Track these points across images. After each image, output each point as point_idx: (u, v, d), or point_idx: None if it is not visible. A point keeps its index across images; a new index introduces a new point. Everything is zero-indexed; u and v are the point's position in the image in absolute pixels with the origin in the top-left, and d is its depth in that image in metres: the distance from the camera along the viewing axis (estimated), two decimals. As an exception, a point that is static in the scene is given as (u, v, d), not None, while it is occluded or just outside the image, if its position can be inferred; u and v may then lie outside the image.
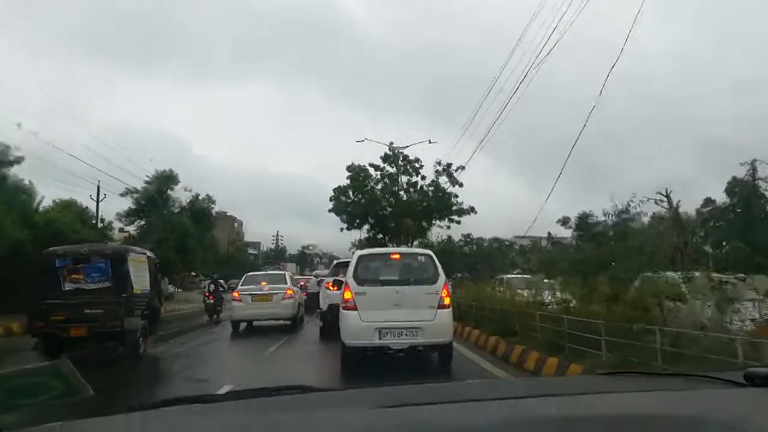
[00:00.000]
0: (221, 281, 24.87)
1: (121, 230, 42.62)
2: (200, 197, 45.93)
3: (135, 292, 10.91)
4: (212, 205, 47.75)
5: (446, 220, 33.66)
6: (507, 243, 61.30)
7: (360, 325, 8.64)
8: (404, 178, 33.92)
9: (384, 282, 8.96)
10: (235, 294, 17.33)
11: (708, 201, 45.76)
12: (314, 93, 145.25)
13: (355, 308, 8.75)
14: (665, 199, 42.74)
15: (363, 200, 34.06)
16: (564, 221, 51.51)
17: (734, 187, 42.63)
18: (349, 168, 34.12)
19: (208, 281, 24.94)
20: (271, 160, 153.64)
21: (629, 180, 56.08)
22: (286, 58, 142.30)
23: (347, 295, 8.86)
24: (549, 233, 54.43)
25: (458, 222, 33.99)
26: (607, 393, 1.40)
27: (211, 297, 22.26)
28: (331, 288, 13.36)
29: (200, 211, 45.72)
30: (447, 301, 8.88)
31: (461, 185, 32.61)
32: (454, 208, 33.70)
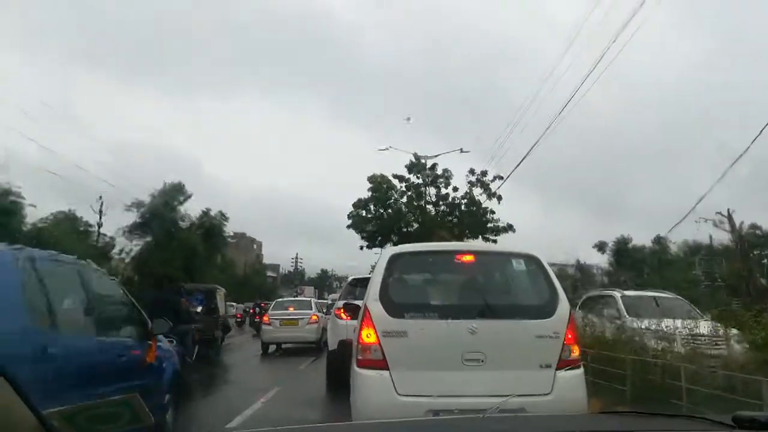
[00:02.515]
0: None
1: (120, 253, 39.56)
2: (212, 213, 43.01)
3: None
4: (225, 223, 44.76)
5: (480, 238, 28.94)
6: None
7: (393, 403, 4.27)
8: (432, 190, 29.61)
9: (445, 311, 4.60)
10: (265, 318, 18.83)
11: (754, 227, 41.56)
12: (335, 113, 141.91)
13: (383, 365, 4.35)
14: (726, 220, 38.12)
15: (386, 214, 29.71)
16: (600, 246, 47.50)
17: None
18: (371, 179, 29.97)
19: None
20: (291, 182, 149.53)
21: (661, 206, 51.91)
22: (305, 77, 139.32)
23: (367, 335, 4.37)
24: (578, 260, 50.68)
25: (494, 241, 29.20)
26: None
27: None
28: (343, 316, 8.62)
29: (212, 229, 42.59)
30: (576, 351, 4.33)
31: (500, 199, 28.13)
32: (489, 225, 29.22)
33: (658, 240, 43.19)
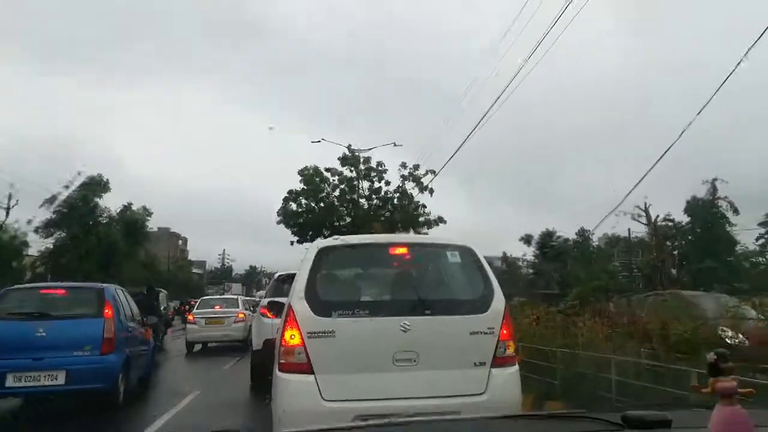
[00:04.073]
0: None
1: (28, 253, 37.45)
2: (134, 207, 41.04)
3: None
4: (148, 218, 42.91)
5: (411, 231, 29.03)
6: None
7: (318, 410, 3.94)
8: (365, 184, 29.37)
9: (376, 308, 4.30)
10: (190, 317, 18.64)
11: (667, 219, 44.04)
12: (265, 105, 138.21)
13: (307, 368, 4.01)
14: (643, 213, 40.11)
15: (317, 208, 29.22)
16: (527, 239, 48.97)
17: (694, 206, 41.23)
18: (302, 171, 29.29)
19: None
20: (220, 176, 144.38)
21: (587, 199, 54.14)
22: (231, 64, 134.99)
23: (291, 337, 4.03)
24: (504, 252, 52.10)
25: (426, 234, 29.39)
26: None
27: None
28: (269, 315, 8.16)
29: (133, 223, 40.78)
30: (511, 347, 4.16)
31: (431, 192, 28.24)
32: (421, 219, 29.36)
33: (582, 233, 44.86)
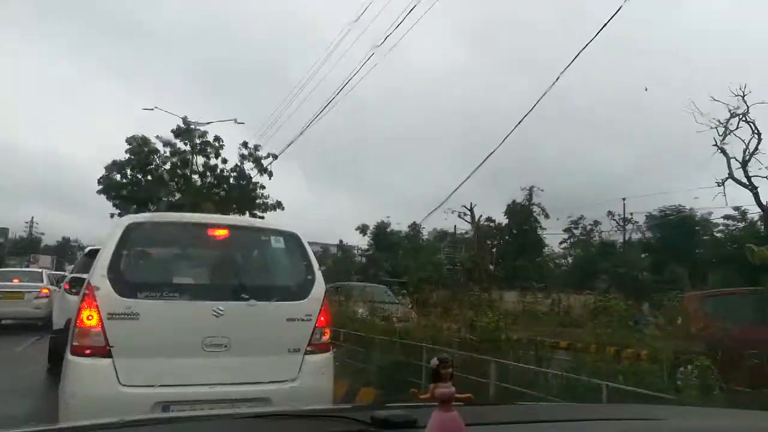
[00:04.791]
0: None
1: None
2: None
3: None
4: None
5: (247, 213, 28.29)
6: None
7: (113, 396, 3.63)
8: (200, 159, 27.96)
9: (188, 291, 4.04)
10: None
11: (489, 219, 48.16)
12: (92, 62, 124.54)
13: (104, 351, 3.70)
14: (469, 212, 43.37)
15: (144, 181, 27.18)
16: (362, 229, 50.50)
17: (513, 209, 45.56)
18: (130, 140, 27.00)
19: None
20: (33, 136, 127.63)
21: (421, 194, 57.29)
22: (50, 15, 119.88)
23: (88, 317, 3.68)
24: (341, 240, 53.37)
25: (261, 218, 28.83)
26: None
27: None
28: (72, 292, 7.36)
29: None
30: (327, 334, 4.19)
31: (270, 175, 27.71)
32: (258, 201, 28.70)
33: (414, 226, 47.17)
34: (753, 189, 23.25)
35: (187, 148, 27.64)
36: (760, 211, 25.11)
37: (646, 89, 41.59)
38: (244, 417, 1.55)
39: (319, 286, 4.28)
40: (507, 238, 46.77)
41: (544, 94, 10.53)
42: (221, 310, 3.90)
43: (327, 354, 4.27)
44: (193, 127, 27.37)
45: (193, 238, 4.42)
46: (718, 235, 33.76)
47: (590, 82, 50.24)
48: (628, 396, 4.12)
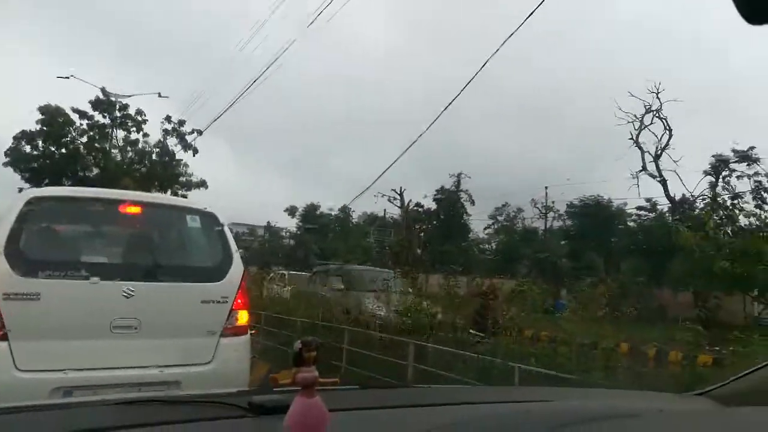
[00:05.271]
0: None
1: None
2: None
3: None
4: None
5: (169, 191, 27.29)
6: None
7: (7, 380, 3.36)
8: (120, 133, 26.64)
9: (96, 270, 3.80)
10: None
11: (418, 205, 48.87)
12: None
13: (1, 335, 3.41)
14: (398, 197, 43.82)
15: (58, 153, 25.62)
16: (291, 210, 49.93)
17: (441, 195, 46.43)
18: (43, 109, 25.28)
19: None
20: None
21: (351, 178, 57.02)
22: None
23: None
24: (268, 222, 52.55)
25: (185, 197, 27.89)
26: None
27: None
28: None
29: None
30: (244, 317, 4.05)
31: (195, 152, 26.78)
32: (182, 178, 27.73)
33: (344, 209, 47.03)
34: (663, 181, 24.77)
35: (107, 120, 26.25)
36: (668, 202, 26.77)
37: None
38: (117, 403, 1.47)
39: (237, 268, 4.15)
40: (435, 223, 47.49)
41: (468, 83, 10.68)
42: (131, 291, 3.71)
43: (244, 337, 4.16)
44: (113, 99, 25.99)
45: (102, 215, 4.16)
46: (631, 224, 35.69)
47: (518, 73, 51.54)
48: (540, 378, 4.28)
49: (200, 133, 25.87)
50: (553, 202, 40.35)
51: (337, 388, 1.35)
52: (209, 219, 4.26)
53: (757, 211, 19.84)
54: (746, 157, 24.43)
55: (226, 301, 4.01)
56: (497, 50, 9.95)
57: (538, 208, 41.50)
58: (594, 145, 46.49)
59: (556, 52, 50.43)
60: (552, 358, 4.59)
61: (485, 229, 49.07)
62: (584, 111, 46.94)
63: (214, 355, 3.93)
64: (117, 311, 3.68)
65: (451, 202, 46.11)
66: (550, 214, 40.96)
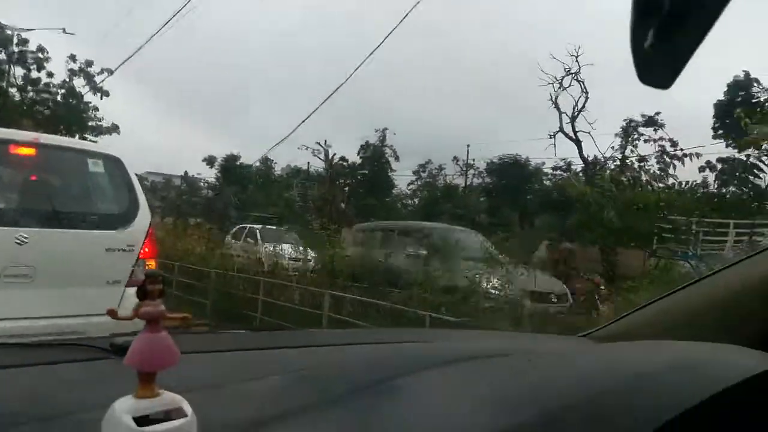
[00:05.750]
0: None
1: None
2: None
3: None
4: None
5: (77, 136, 25.61)
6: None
7: None
8: (20, 71, 24.54)
9: None
10: None
11: (342, 159, 48.71)
12: None
13: None
14: (323, 150, 43.38)
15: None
16: (210, 160, 48.19)
17: (366, 149, 46.44)
18: (-76, 40, 22.82)
19: None
20: None
21: (272, 128, 55.43)
22: None
23: None
24: (186, 172, 50.54)
25: (95, 142, 26.29)
26: None
27: None
28: None
29: None
30: (152, 266, 3.95)
31: (106, 95, 25.15)
32: (91, 122, 26.07)
33: (265, 161, 46.01)
34: (578, 143, 25.90)
35: (2, 56, 24.07)
36: (582, 163, 28.05)
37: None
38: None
39: (144, 216, 3.99)
40: (359, 177, 47.44)
41: (389, 33, 10.58)
42: (25, 238, 3.49)
43: None
44: (9, 32, 23.77)
45: None
46: (547, 183, 37.21)
47: (443, 27, 51.46)
48: (449, 325, 4.45)
49: (111, 73, 24.24)
50: (473, 160, 41.37)
51: (197, 331, 1.31)
52: (113, 163, 4.04)
53: (660, 173, 21.22)
54: (652, 121, 25.94)
55: (133, 250, 3.86)
56: (413, 8, 9.85)
57: (459, 165, 42.45)
58: (516, 105, 47.58)
59: (482, 7, 50.69)
60: (460, 306, 4.78)
61: (409, 185, 49.74)
62: (508, 70, 47.80)
63: (119, 306, 3.78)
64: (9, 258, 3.46)
65: (376, 156, 46.17)
66: (471, 172, 42.01)
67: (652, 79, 0.56)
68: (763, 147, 6.68)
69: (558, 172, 35.57)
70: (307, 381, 0.84)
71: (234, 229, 16.34)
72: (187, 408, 0.63)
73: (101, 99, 25.24)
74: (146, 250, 3.94)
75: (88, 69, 24.85)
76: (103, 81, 24.72)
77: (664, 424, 0.73)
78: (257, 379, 0.84)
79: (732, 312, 1.20)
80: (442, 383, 0.89)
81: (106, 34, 48.84)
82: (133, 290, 3.50)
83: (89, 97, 25.45)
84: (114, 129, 26.40)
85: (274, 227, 14.50)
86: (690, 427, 0.75)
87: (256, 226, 15.09)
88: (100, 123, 26.19)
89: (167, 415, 0.62)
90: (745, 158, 6.97)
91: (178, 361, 0.67)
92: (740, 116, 8.10)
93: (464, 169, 41.27)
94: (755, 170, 6.54)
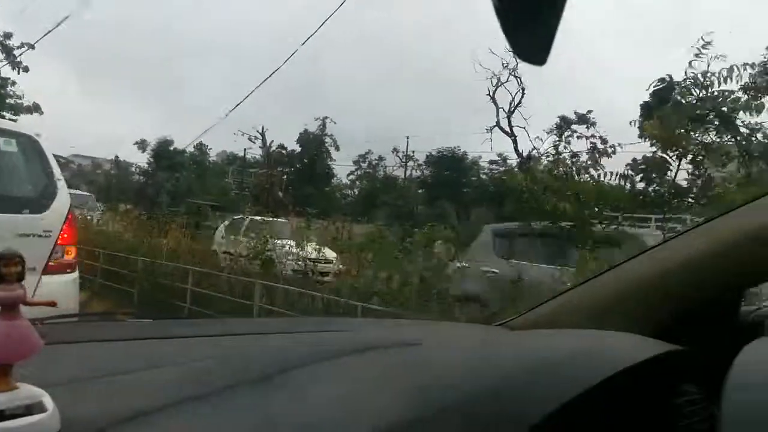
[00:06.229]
0: None
1: None
2: None
3: None
4: None
5: (-6, 116, 24.07)
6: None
7: None
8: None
9: None
10: None
11: (281, 146, 48.21)
12: None
13: None
14: (260, 137, 42.65)
15: None
16: (141, 144, 46.46)
17: (306, 138, 46.08)
18: None
19: None
20: None
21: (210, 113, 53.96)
22: None
23: None
24: (116, 156, 48.54)
25: (14, 121, 24.74)
26: None
27: None
28: None
29: None
30: (71, 253, 3.75)
31: (26, 70, 23.71)
32: (9, 100, 24.58)
33: (200, 146, 44.77)
34: (514, 138, 26.59)
35: None
36: (517, 157, 28.84)
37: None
38: None
39: (62, 199, 3.78)
40: (298, 166, 46.94)
41: (328, 18, 10.47)
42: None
43: (70, 275, 3.83)
44: None
45: None
46: (483, 177, 38.04)
47: (383, 15, 51.53)
48: (380, 315, 4.46)
49: (32, 47, 22.82)
50: (413, 152, 41.73)
51: (118, 320, 1.23)
52: (28, 143, 3.81)
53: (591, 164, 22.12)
54: (584, 119, 26.97)
55: (50, 236, 3.65)
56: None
57: (399, 157, 42.70)
58: (456, 99, 48.26)
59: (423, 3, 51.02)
60: (394, 296, 4.82)
61: (348, 175, 49.60)
62: (449, 63, 48.36)
63: (34, 295, 3.58)
64: None
65: (315, 145, 45.71)
66: (410, 164, 42.38)
67: (527, 55, 0.58)
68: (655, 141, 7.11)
69: (494, 166, 36.46)
70: (202, 372, 0.81)
71: (226, 222, 14.58)
72: (49, 402, 0.58)
73: (18, 74, 23.78)
74: (65, 236, 3.74)
75: (7, 42, 23.36)
76: (21, 54, 23.28)
77: (561, 407, 0.75)
78: (146, 369, 0.79)
79: (639, 303, 1.24)
80: (348, 372, 0.88)
81: (26, 6, 45.96)
82: (50, 278, 3.32)
83: (7, 71, 23.93)
84: (36, 108, 24.97)
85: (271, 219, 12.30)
86: (585, 408, 0.78)
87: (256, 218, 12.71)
88: (20, 101, 24.71)
89: (29, 410, 0.57)
90: (652, 154, 7.39)
91: (39, 351, 0.62)
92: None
93: (404, 160, 41.65)
94: (667, 164, 6.91)
